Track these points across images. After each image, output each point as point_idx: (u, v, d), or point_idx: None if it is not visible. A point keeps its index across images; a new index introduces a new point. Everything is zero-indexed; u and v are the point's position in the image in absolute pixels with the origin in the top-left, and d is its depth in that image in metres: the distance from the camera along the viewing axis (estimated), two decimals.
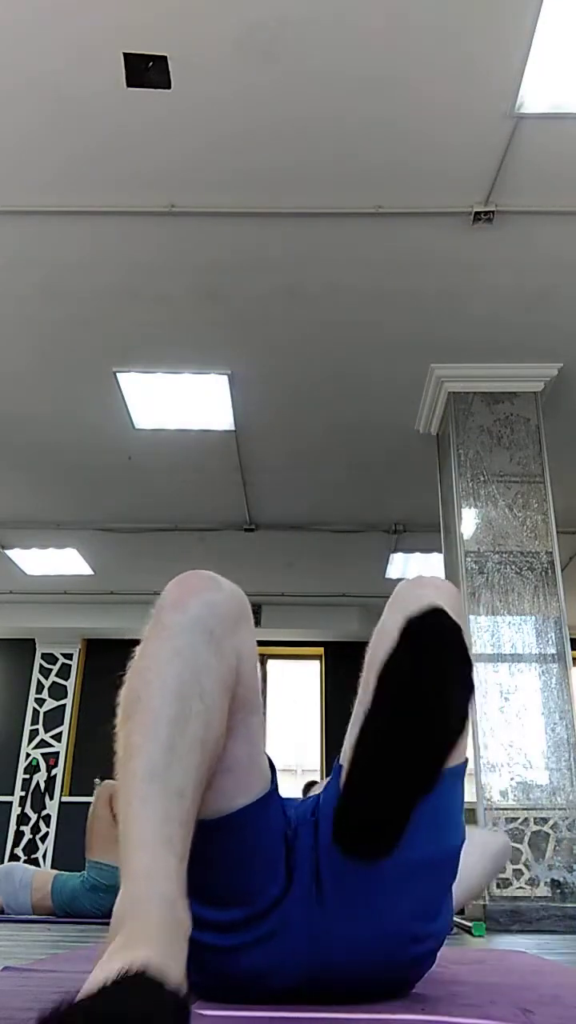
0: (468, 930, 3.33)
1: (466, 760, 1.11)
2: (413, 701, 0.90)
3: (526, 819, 3.74)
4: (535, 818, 3.74)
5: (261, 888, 1.03)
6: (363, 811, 0.93)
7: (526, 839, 3.71)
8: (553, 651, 4.03)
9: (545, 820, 3.74)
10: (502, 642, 4.05)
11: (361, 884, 1.03)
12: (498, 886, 3.63)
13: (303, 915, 1.03)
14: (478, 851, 1.81)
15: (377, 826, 0.93)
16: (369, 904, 1.03)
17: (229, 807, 0.98)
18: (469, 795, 3.88)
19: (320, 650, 7.84)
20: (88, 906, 3.70)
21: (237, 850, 1.00)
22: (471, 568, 4.18)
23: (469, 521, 4.33)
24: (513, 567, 4.17)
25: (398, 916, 1.04)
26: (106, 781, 4.11)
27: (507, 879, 3.63)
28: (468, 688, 0.92)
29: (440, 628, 0.92)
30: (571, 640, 4.26)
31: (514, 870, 3.66)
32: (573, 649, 4.39)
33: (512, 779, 3.80)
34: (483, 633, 4.06)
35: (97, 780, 7.66)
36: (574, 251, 3.74)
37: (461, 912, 3.91)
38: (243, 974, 1.03)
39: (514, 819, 3.74)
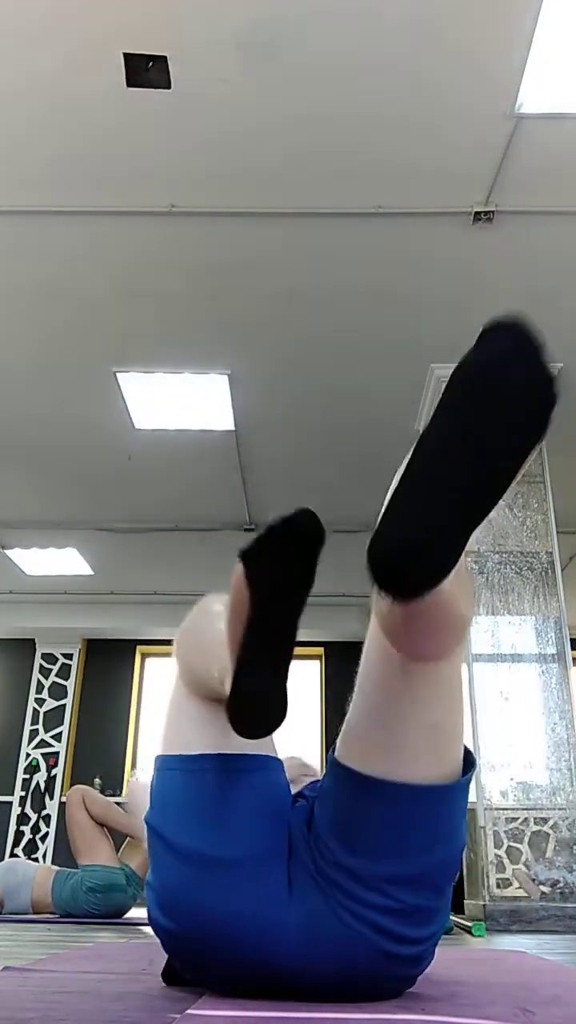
0: (468, 930, 3.33)
1: (464, 779, 1.08)
2: (480, 383, 0.80)
3: (526, 819, 3.74)
4: (535, 818, 3.74)
5: (267, 834, 1.08)
6: (417, 518, 0.78)
7: (526, 839, 3.71)
8: (553, 651, 4.03)
9: (545, 820, 3.74)
10: (502, 642, 4.05)
11: (344, 880, 1.05)
12: (498, 886, 3.63)
13: (295, 902, 1.05)
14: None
15: (434, 535, 0.77)
16: (351, 901, 1.04)
17: (247, 749, 1.08)
18: (469, 795, 3.89)
19: (320, 650, 7.83)
20: (86, 906, 3.70)
21: (248, 788, 1.09)
22: (471, 568, 4.18)
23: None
24: (513, 567, 4.17)
25: (380, 917, 1.04)
26: (75, 787, 4.13)
27: (507, 879, 3.63)
28: (549, 378, 0.84)
29: (508, 319, 0.84)
30: (571, 640, 4.26)
31: (514, 870, 3.66)
32: (573, 649, 4.39)
33: (512, 779, 3.80)
34: (483, 633, 4.06)
35: (97, 781, 7.70)
36: (574, 251, 3.74)
37: (461, 912, 3.92)
38: (241, 948, 1.05)
39: (514, 819, 3.74)
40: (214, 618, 1.17)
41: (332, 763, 1.09)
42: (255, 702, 0.97)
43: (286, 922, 1.04)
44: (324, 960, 1.04)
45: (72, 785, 7.72)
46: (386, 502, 0.80)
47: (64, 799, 7.62)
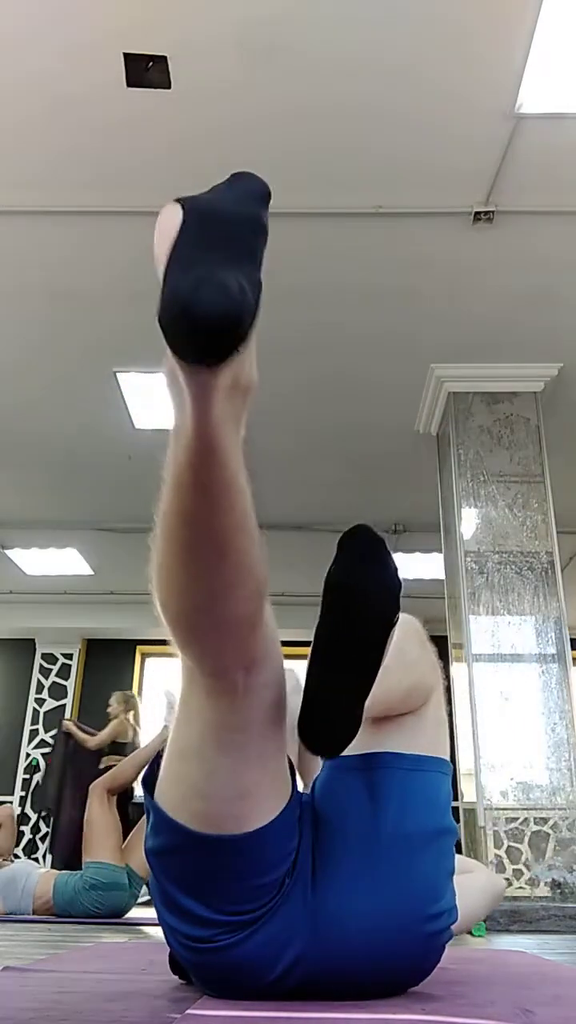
0: (468, 930, 3.33)
1: (447, 760, 1.14)
2: (340, 594, 0.95)
3: (526, 819, 3.74)
4: (535, 818, 3.74)
5: (274, 883, 1.04)
6: (317, 710, 0.95)
7: (526, 839, 3.71)
8: (553, 651, 4.02)
9: (545, 820, 3.74)
10: (502, 642, 4.05)
11: (358, 858, 1.05)
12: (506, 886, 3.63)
13: (300, 892, 1.04)
14: (481, 884, 2.02)
15: (332, 720, 0.96)
16: (371, 879, 1.05)
17: (244, 828, 0.99)
18: (469, 795, 3.89)
19: None
20: (88, 905, 3.70)
21: (255, 863, 1.02)
22: (471, 568, 4.18)
23: (469, 521, 4.32)
24: (513, 567, 4.17)
25: (404, 892, 1.06)
26: (97, 780, 4.11)
27: (507, 879, 3.63)
28: (386, 576, 0.95)
29: (360, 533, 0.97)
30: (571, 640, 4.25)
31: (514, 870, 3.66)
32: (573, 649, 4.39)
33: (512, 779, 3.80)
34: (483, 633, 4.06)
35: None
36: (574, 251, 3.74)
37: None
38: (245, 963, 1.04)
39: (514, 819, 3.74)
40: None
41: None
42: (185, 285, 0.73)
43: (294, 926, 1.03)
44: (345, 952, 1.04)
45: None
46: (304, 692, 0.97)
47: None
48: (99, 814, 3.87)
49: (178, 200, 0.78)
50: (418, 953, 1.10)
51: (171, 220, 0.75)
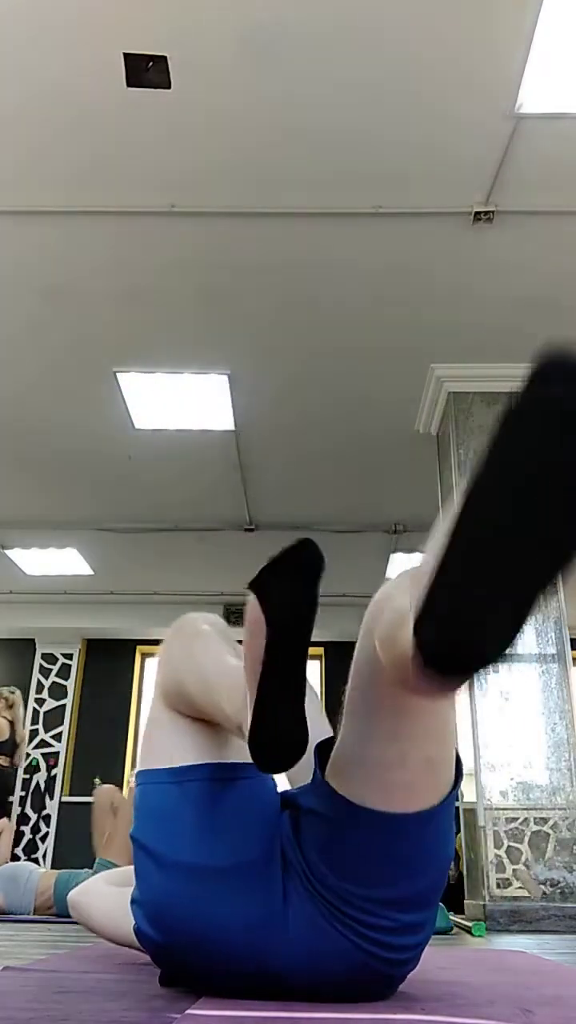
0: (468, 930, 3.33)
1: (452, 792, 1.07)
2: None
3: (526, 819, 3.74)
4: (535, 818, 3.74)
5: (256, 842, 1.07)
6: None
7: (526, 839, 3.71)
8: (553, 651, 4.02)
9: (545, 820, 3.74)
10: None
11: (332, 898, 1.05)
12: (498, 886, 3.63)
13: (289, 906, 1.06)
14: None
15: (282, 736, 0.97)
16: (339, 917, 1.04)
17: (234, 757, 1.07)
18: (469, 795, 3.89)
19: (320, 650, 7.84)
20: None
21: (236, 797, 1.08)
22: None
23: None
24: None
25: (369, 932, 1.04)
26: (104, 786, 4.12)
27: (507, 879, 3.63)
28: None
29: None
30: (571, 640, 4.25)
31: (514, 870, 3.66)
32: (573, 649, 4.39)
33: (512, 779, 3.80)
34: None
35: (97, 780, 7.68)
36: (574, 251, 3.74)
37: (461, 912, 3.91)
38: (234, 957, 1.05)
39: (514, 819, 3.74)
40: (209, 644, 1.16)
41: (323, 787, 1.06)
42: (281, 738, 0.96)
43: (281, 928, 1.04)
44: (320, 964, 1.04)
45: (71, 786, 7.77)
46: (435, 570, 0.71)
47: (65, 799, 7.68)
48: (106, 817, 3.87)
49: (258, 593, 0.98)
50: (384, 978, 1.10)
51: (258, 632, 0.96)
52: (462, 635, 0.68)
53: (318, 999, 1.06)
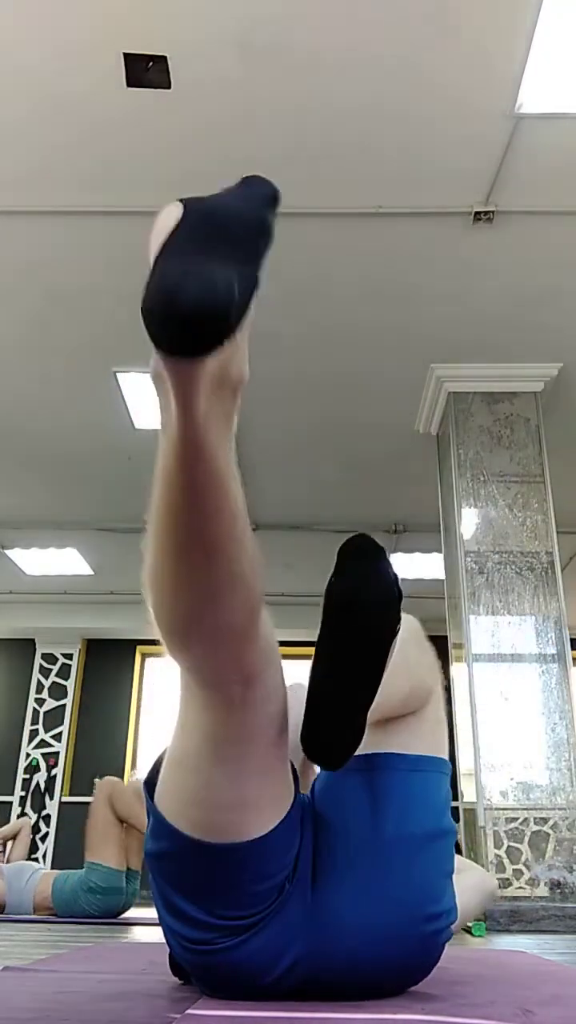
0: (468, 930, 3.33)
1: (446, 760, 1.14)
2: (340, 607, 0.95)
3: (526, 819, 3.74)
4: (535, 818, 3.74)
5: (273, 888, 1.04)
6: (322, 725, 0.96)
7: (526, 839, 3.71)
8: (553, 651, 4.02)
9: (545, 820, 3.74)
10: (502, 642, 4.05)
11: (358, 859, 1.05)
12: (498, 886, 3.62)
13: (300, 893, 1.04)
14: (473, 882, 2.03)
15: (335, 733, 0.97)
16: (370, 880, 1.05)
17: (243, 838, 0.98)
18: (469, 795, 3.89)
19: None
20: (85, 906, 3.71)
21: (255, 871, 1.01)
22: (471, 568, 4.18)
23: (469, 521, 4.32)
24: (513, 567, 4.17)
25: (403, 893, 1.06)
26: (105, 778, 4.09)
27: (507, 879, 3.63)
28: (386, 587, 0.96)
29: (359, 543, 0.99)
30: (571, 640, 4.25)
31: (514, 870, 3.66)
32: (573, 649, 4.39)
33: (512, 779, 3.80)
34: (483, 633, 4.06)
35: (97, 779, 7.66)
36: (574, 251, 3.74)
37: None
38: (245, 964, 1.04)
39: (514, 819, 3.74)
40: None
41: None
42: (170, 278, 0.72)
43: (293, 926, 1.03)
44: (344, 952, 1.03)
45: (71, 786, 7.77)
46: (306, 708, 0.97)
47: (64, 799, 7.68)
48: (103, 813, 3.86)
49: (181, 200, 0.77)
50: (417, 953, 1.10)
51: (169, 217, 0.75)
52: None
53: (344, 995, 1.06)
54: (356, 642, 0.94)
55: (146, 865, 1.09)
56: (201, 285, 0.67)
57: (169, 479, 0.80)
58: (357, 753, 1.04)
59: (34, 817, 7.67)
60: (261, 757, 0.98)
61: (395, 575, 0.97)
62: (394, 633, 0.96)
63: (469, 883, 1.95)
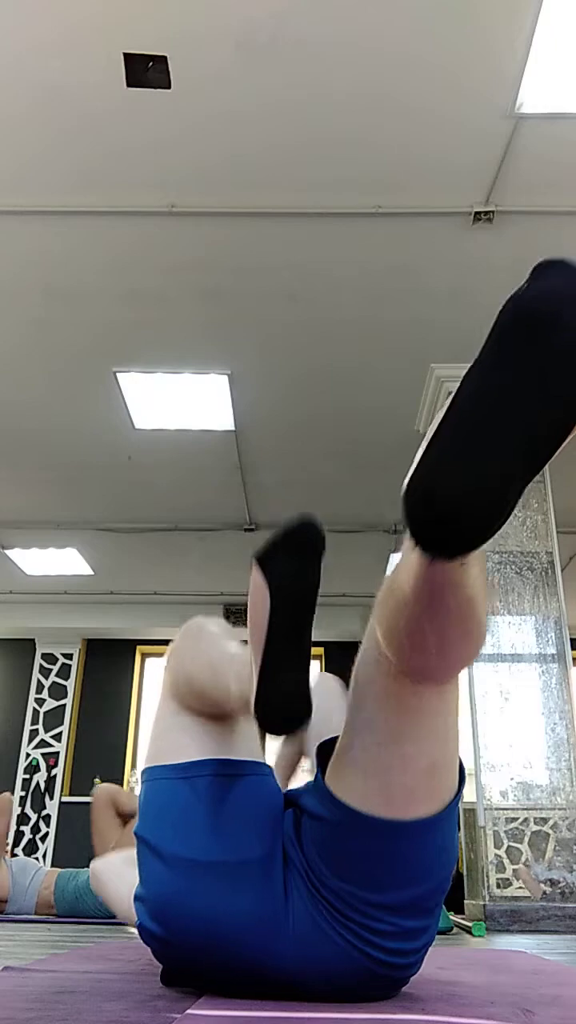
0: (468, 930, 3.33)
1: (454, 800, 1.05)
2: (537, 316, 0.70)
3: (526, 819, 3.74)
4: (535, 818, 3.74)
5: (258, 840, 1.07)
6: (461, 472, 0.76)
7: (526, 839, 3.71)
8: (553, 651, 4.02)
9: (545, 820, 3.73)
10: (502, 642, 4.05)
11: (333, 900, 1.04)
12: (498, 886, 3.62)
13: (289, 907, 1.05)
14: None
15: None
16: (340, 920, 1.04)
17: (235, 754, 1.11)
18: (469, 795, 3.88)
19: (320, 650, 7.83)
20: (90, 906, 3.70)
21: (238, 794, 1.09)
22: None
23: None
24: (513, 567, 4.17)
25: (370, 936, 1.04)
26: (103, 786, 4.11)
27: (507, 879, 3.63)
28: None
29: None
30: (571, 640, 4.25)
31: (514, 870, 3.66)
32: (573, 649, 4.39)
33: (512, 779, 3.80)
34: None
35: (97, 780, 7.67)
36: (574, 251, 3.74)
37: (461, 912, 3.91)
38: (234, 955, 1.05)
39: (514, 819, 3.74)
40: (216, 638, 1.20)
41: (323, 791, 1.05)
42: (284, 701, 1.02)
43: (283, 926, 1.04)
44: (320, 965, 1.04)
45: (71, 786, 7.77)
46: (429, 438, 0.75)
47: (64, 799, 7.68)
48: (107, 818, 3.88)
49: (266, 581, 1.07)
50: (387, 981, 1.10)
51: (261, 602, 1.04)
52: (448, 487, 0.69)
53: (318, 999, 1.06)
54: (550, 367, 0.69)
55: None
56: (301, 703, 1.03)
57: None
58: (349, 805, 1.00)
59: (34, 817, 7.68)
60: (244, 722, 1.19)
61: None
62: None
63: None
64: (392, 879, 1.02)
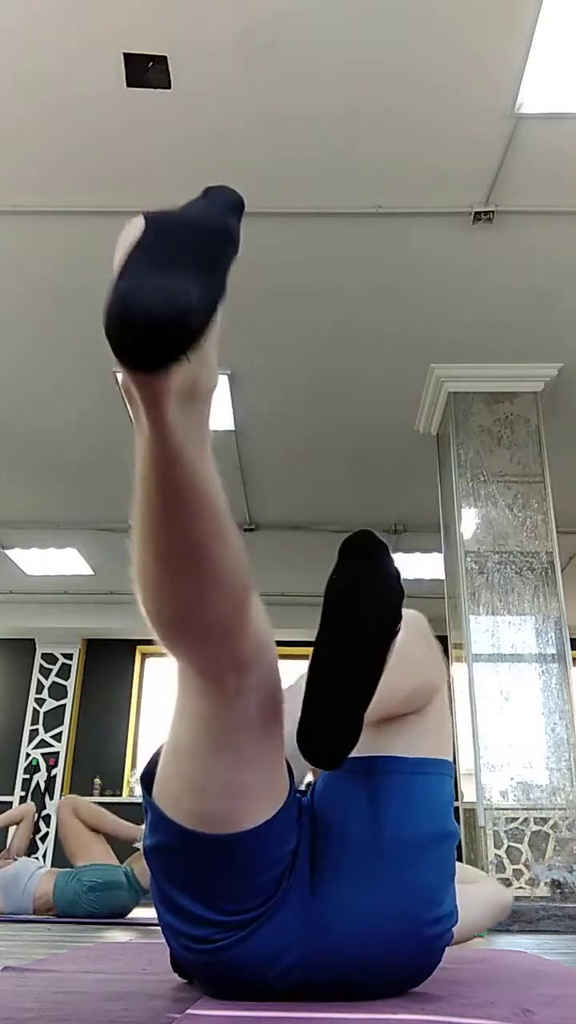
0: (468, 939, 3.33)
1: (450, 761, 1.12)
2: (340, 605, 0.94)
3: (526, 819, 3.74)
4: (535, 818, 3.74)
5: (271, 881, 1.04)
6: (317, 718, 0.94)
7: (526, 839, 3.71)
8: (553, 651, 4.02)
9: (545, 820, 3.74)
10: (502, 642, 4.05)
11: (358, 863, 1.05)
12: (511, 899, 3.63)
13: (299, 894, 1.04)
14: (484, 898, 1.94)
15: (332, 732, 0.94)
16: (370, 883, 1.05)
17: (239, 828, 0.98)
18: (469, 795, 3.89)
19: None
20: (88, 906, 3.70)
21: (252, 861, 1.01)
22: (471, 568, 4.18)
23: (469, 521, 4.32)
24: (513, 567, 4.17)
25: (403, 897, 1.05)
26: (65, 797, 4.21)
27: (507, 879, 3.63)
28: (387, 583, 0.95)
29: (361, 539, 0.97)
30: (571, 640, 4.25)
31: (514, 870, 3.66)
32: (573, 649, 4.39)
33: (512, 779, 3.80)
34: (483, 633, 4.06)
35: (97, 780, 7.67)
36: (574, 251, 3.74)
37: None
38: (245, 963, 1.04)
39: (514, 819, 3.74)
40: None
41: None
42: (131, 295, 0.72)
43: (292, 926, 1.03)
44: (342, 955, 1.03)
45: (72, 786, 7.76)
46: (302, 704, 0.94)
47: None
48: (73, 824, 3.95)
49: (143, 213, 0.79)
50: (417, 956, 1.10)
51: (131, 231, 0.77)
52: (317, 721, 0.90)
53: (343, 996, 1.06)
54: (354, 639, 0.93)
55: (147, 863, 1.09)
56: (156, 296, 0.67)
57: (147, 484, 0.83)
58: (359, 755, 1.04)
59: (34, 817, 7.68)
60: (256, 745, 0.98)
61: (397, 572, 0.96)
62: (394, 632, 0.95)
63: (480, 898, 1.90)
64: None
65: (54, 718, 8.07)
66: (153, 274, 0.70)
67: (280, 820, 1.02)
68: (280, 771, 1.04)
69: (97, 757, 7.89)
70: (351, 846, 1.06)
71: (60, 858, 7.19)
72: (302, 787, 1.20)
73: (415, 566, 6.53)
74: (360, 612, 0.94)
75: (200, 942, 1.03)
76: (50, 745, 7.98)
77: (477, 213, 3.50)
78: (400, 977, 1.11)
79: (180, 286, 0.69)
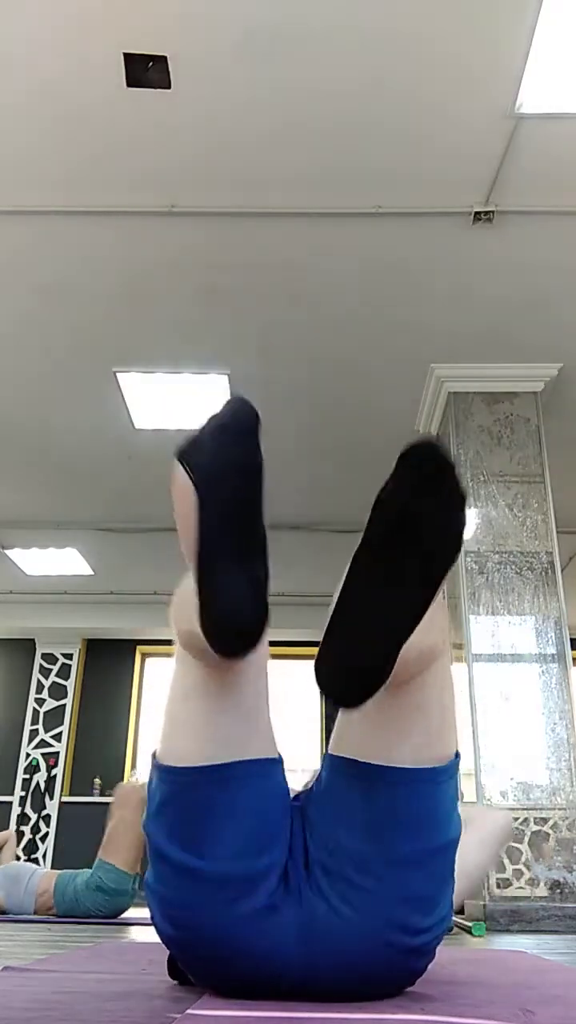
0: (468, 930, 3.33)
1: (453, 758, 1.10)
2: (404, 519, 0.92)
3: (526, 819, 3.74)
4: (535, 818, 3.74)
5: (265, 848, 1.04)
6: (347, 643, 0.90)
7: (526, 839, 3.71)
8: (553, 651, 4.02)
9: (545, 820, 3.73)
10: (502, 642, 4.05)
11: (350, 872, 1.04)
12: (498, 886, 3.63)
13: (293, 903, 1.04)
14: (478, 838, 1.82)
15: (363, 662, 0.89)
16: (356, 892, 1.04)
17: (242, 755, 1.04)
18: (469, 795, 3.88)
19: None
20: (90, 906, 3.70)
21: (244, 800, 1.04)
22: (471, 568, 4.18)
23: (469, 521, 4.32)
24: (513, 567, 4.17)
25: (393, 913, 1.04)
26: (134, 783, 4.05)
27: (507, 879, 3.63)
28: (458, 508, 0.94)
29: (432, 450, 0.97)
30: (571, 640, 4.25)
31: (514, 870, 3.66)
32: (573, 649, 4.39)
33: (512, 779, 3.80)
34: (483, 633, 4.06)
35: (97, 780, 7.66)
36: (574, 251, 3.74)
37: (461, 911, 3.92)
38: (244, 961, 1.04)
39: (514, 819, 3.74)
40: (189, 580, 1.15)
41: (328, 757, 1.10)
42: (234, 605, 0.89)
43: (286, 927, 1.03)
44: (332, 961, 1.03)
45: (71, 786, 7.77)
46: (326, 627, 0.93)
47: (65, 799, 7.66)
48: (128, 817, 3.75)
49: (191, 479, 1.00)
50: (406, 965, 1.09)
51: (186, 501, 0.99)
52: (339, 676, 0.94)
53: (328, 998, 1.05)
54: (412, 563, 0.89)
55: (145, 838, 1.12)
56: (252, 611, 0.89)
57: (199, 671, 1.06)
58: (358, 759, 1.03)
59: (34, 817, 7.68)
60: (252, 698, 1.07)
61: (465, 490, 0.94)
62: (450, 563, 0.92)
63: (473, 842, 1.70)
64: (403, 832, 1.04)
65: (54, 718, 8.07)
66: (237, 579, 0.90)
67: (272, 772, 1.08)
68: (269, 731, 1.11)
69: (97, 757, 7.89)
70: (344, 856, 1.05)
71: (60, 858, 7.20)
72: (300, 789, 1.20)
73: None
74: (423, 533, 0.93)
75: (185, 907, 1.05)
76: (50, 745, 7.98)
77: (477, 213, 3.50)
78: (391, 982, 1.10)
79: (259, 589, 0.91)
